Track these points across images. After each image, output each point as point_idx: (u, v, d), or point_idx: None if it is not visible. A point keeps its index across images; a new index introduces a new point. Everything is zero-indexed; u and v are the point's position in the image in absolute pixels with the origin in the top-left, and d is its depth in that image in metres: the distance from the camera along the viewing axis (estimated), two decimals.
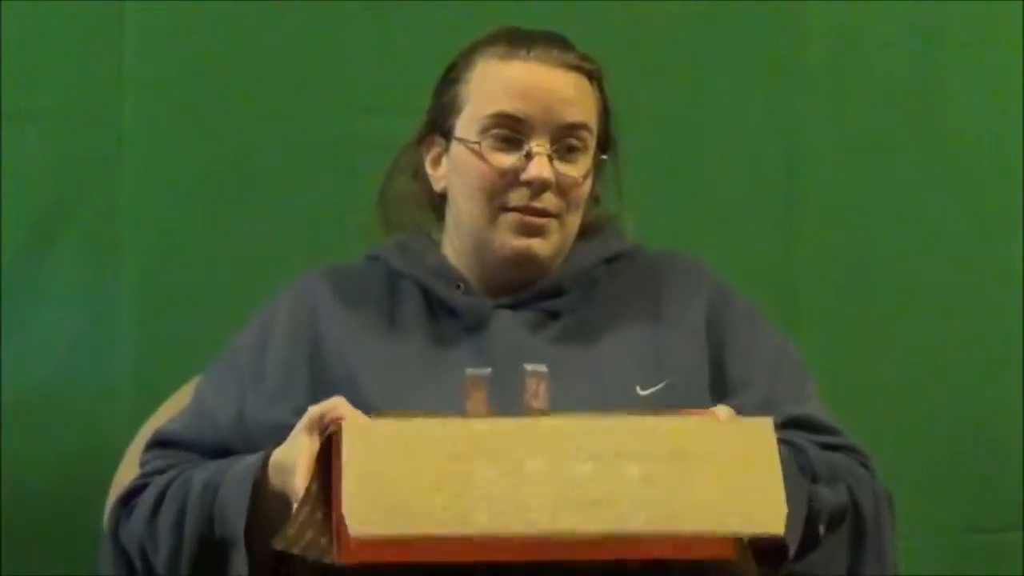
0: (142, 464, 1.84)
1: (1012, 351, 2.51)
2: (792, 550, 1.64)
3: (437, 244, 1.89)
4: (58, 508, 2.29)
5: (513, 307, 1.82)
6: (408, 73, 2.13)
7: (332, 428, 1.55)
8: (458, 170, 1.84)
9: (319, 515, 1.55)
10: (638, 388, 1.76)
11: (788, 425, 1.73)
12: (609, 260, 1.88)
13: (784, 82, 2.48)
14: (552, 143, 1.80)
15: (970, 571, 2.51)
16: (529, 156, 1.80)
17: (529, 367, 1.58)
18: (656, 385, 1.76)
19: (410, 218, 1.92)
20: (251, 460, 1.68)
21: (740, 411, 1.62)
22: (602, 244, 1.89)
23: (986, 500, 2.52)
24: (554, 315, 1.83)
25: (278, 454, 1.64)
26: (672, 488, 1.48)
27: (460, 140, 1.83)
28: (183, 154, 2.35)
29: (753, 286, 1.94)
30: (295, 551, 1.55)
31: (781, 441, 1.56)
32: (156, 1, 2.33)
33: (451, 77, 1.86)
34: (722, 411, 1.60)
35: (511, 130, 1.80)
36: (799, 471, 1.70)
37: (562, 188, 1.81)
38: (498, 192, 1.81)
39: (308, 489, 1.55)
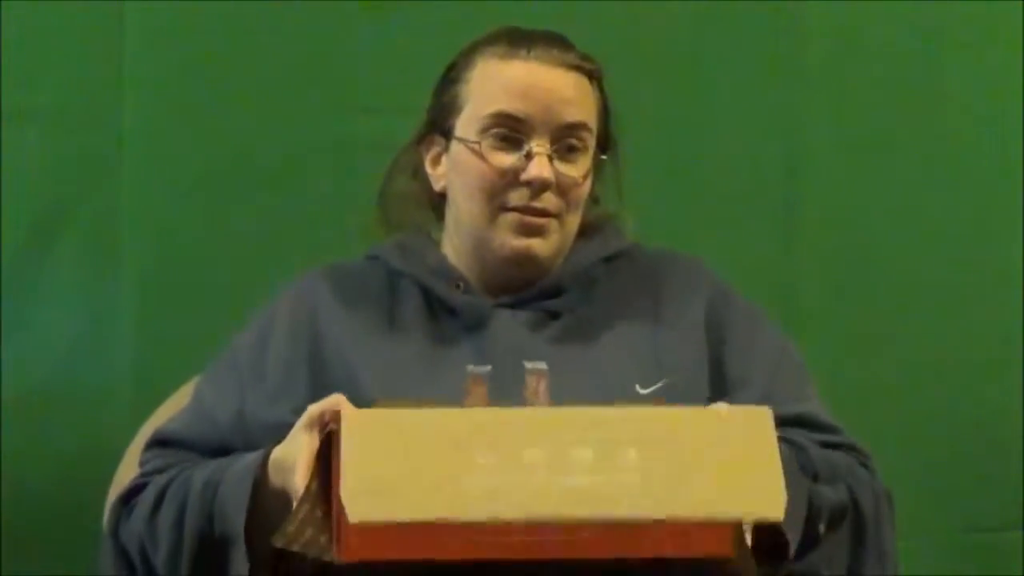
0: (142, 463, 1.84)
1: (1012, 351, 2.51)
2: (792, 549, 1.64)
3: (437, 243, 1.90)
4: (58, 508, 2.29)
5: (513, 306, 1.83)
6: (408, 73, 2.13)
7: (332, 426, 1.55)
8: (458, 170, 1.84)
9: (319, 513, 1.55)
10: (638, 387, 1.76)
11: (788, 423, 1.73)
12: (609, 259, 1.88)
13: (784, 82, 2.48)
14: (552, 143, 1.80)
15: (970, 571, 2.51)
16: (529, 156, 1.80)
17: (529, 365, 1.58)
18: (656, 384, 1.76)
19: (410, 218, 1.93)
20: (251, 458, 1.68)
21: None
22: (602, 243, 1.89)
23: (986, 500, 2.52)
24: (554, 314, 1.83)
25: (278, 452, 1.64)
26: (671, 476, 1.48)
27: (460, 140, 1.83)
28: (183, 154, 2.35)
29: (753, 286, 1.94)
30: (295, 549, 1.55)
31: (781, 439, 1.55)
32: (156, 1, 2.33)
33: (451, 77, 1.86)
34: (722, 408, 1.60)
35: (511, 130, 1.80)
36: (800, 469, 1.70)
37: (562, 188, 1.81)
38: (498, 192, 1.81)
39: (308, 487, 1.55)
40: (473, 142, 1.81)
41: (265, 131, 2.36)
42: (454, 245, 1.87)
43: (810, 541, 1.68)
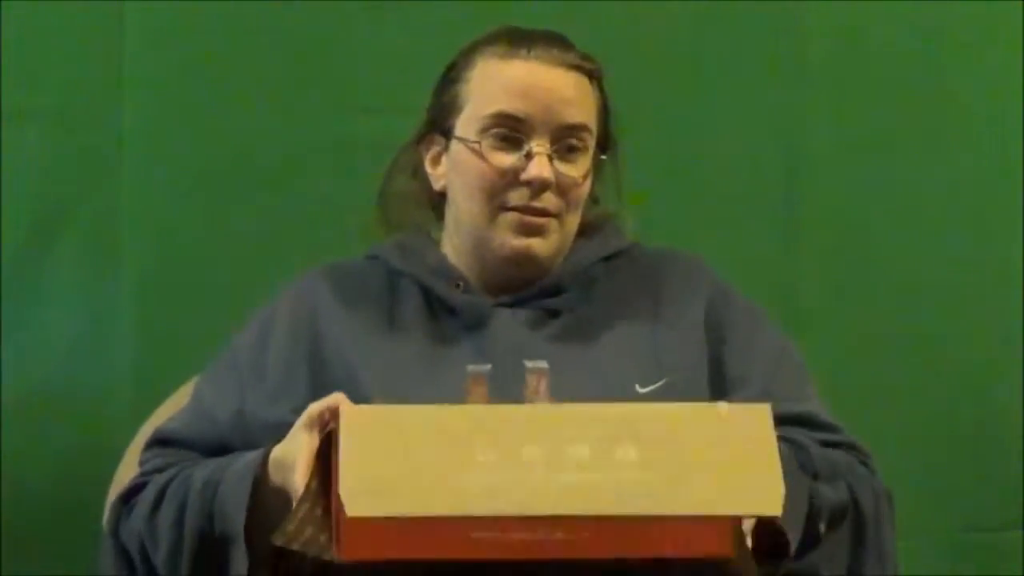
0: (142, 463, 1.84)
1: (1012, 351, 2.51)
2: (793, 548, 1.64)
3: (437, 243, 1.90)
4: (58, 508, 2.29)
5: (513, 305, 1.83)
6: (408, 73, 2.13)
7: (332, 425, 1.55)
8: (458, 169, 1.84)
9: (319, 511, 1.55)
10: (637, 386, 1.76)
11: (788, 422, 1.72)
12: (608, 258, 1.88)
13: (784, 82, 2.48)
14: (552, 143, 1.80)
15: (970, 571, 2.51)
16: (529, 156, 1.80)
17: (529, 363, 1.58)
18: (655, 383, 1.76)
19: (410, 217, 1.93)
20: (251, 457, 1.68)
21: None
22: (601, 242, 1.89)
23: (986, 500, 2.52)
24: (554, 313, 1.83)
25: (278, 451, 1.64)
26: (669, 472, 1.48)
27: (460, 139, 1.83)
28: (183, 154, 2.36)
29: (753, 286, 1.94)
30: (295, 547, 1.55)
31: (781, 438, 1.55)
32: (156, 1, 2.34)
33: (451, 76, 1.86)
34: (721, 405, 1.60)
35: (511, 130, 1.80)
36: (800, 468, 1.69)
37: (562, 188, 1.81)
38: (498, 191, 1.81)
39: (308, 486, 1.55)
40: (473, 142, 1.81)
41: (265, 131, 2.37)
42: (454, 245, 1.87)
43: (810, 540, 1.68)
